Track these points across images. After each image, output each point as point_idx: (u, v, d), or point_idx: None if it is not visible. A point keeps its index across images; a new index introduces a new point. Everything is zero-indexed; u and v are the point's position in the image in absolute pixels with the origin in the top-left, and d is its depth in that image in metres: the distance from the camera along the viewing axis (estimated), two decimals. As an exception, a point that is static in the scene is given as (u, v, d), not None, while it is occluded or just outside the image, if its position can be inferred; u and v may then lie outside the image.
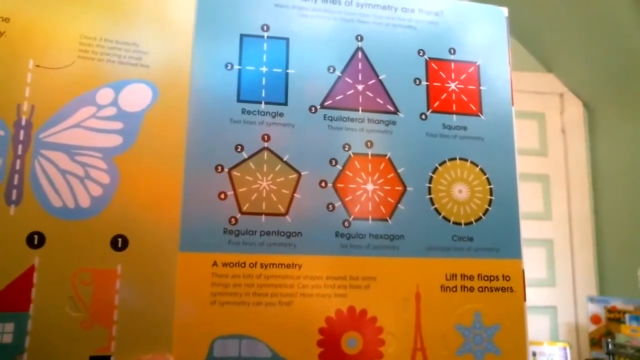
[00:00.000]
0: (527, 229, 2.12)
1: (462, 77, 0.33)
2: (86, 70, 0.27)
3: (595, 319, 1.77)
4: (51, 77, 0.26)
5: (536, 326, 2.03)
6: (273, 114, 0.30)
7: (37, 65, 0.26)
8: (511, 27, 1.75)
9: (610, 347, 1.51)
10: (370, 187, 0.30)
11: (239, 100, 0.30)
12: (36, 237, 0.25)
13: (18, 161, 0.25)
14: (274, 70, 0.30)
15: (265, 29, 0.31)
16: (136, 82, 0.28)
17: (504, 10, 0.37)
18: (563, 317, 2.07)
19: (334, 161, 0.31)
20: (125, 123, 0.28)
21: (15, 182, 0.25)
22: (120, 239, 0.26)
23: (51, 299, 0.25)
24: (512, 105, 0.34)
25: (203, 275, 0.27)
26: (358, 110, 0.31)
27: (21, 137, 0.25)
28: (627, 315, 1.65)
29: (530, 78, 2.20)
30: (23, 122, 0.25)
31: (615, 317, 1.70)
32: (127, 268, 0.26)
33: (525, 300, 0.32)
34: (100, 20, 0.28)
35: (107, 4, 0.28)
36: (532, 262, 2.07)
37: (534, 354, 1.41)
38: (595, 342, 1.75)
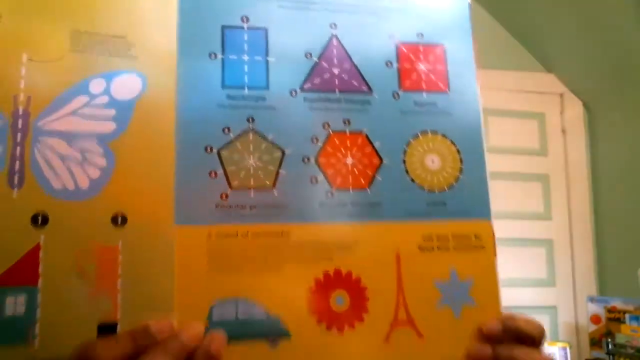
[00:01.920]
0: (527, 229, 2.13)
1: (430, 58, 0.36)
2: (78, 62, 0.29)
3: (595, 319, 1.76)
4: (45, 69, 0.28)
5: (536, 326, 2.03)
6: (256, 98, 0.33)
7: (30, 59, 0.28)
8: (512, 28, 1.76)
9: (610, 347, 1.51)
10: (349, 160, 0.33)
11: (223, 87, 0.32)
12: (40, 217, 0.27)
13: (18, 148, 0.27)
14: (255, 58, 0.33)
15: (245, 20, 0.33)
16: (126, 72, 0.30)
17: None
18: (563, 317, 2.07)
19: (315, 139, 0.34)
20: (117, 110, 0.30)
21: (17, 168, 0.27)
22: (119, 217, 0.29)
23: (58, 274, 0.27)
24: (477, 83, 0.37)
25: (199, 245, 0.30)
26: (335, 92, 0.34)
27: (20, 126, 0.27)
28: (627, 315, 1.65)
29: (530, 78, 2.20)
30: (20, 112, 0.27)
31: (615, 317, 1.70)
32: (128, 243, 0.28)
33: (495, 256, 0.34)
34: (89, 15, 0.30)
35: (96, 0, 0.30)
36: (532, 262, 2.07)
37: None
38: (595, 342, 1.75)
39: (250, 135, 0.32)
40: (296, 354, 0.30)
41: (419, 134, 0.35)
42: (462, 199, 0.35)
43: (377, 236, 0.33)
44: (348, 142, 0.34)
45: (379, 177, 0.34)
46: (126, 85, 0.30)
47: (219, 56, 0.33)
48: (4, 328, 0.26)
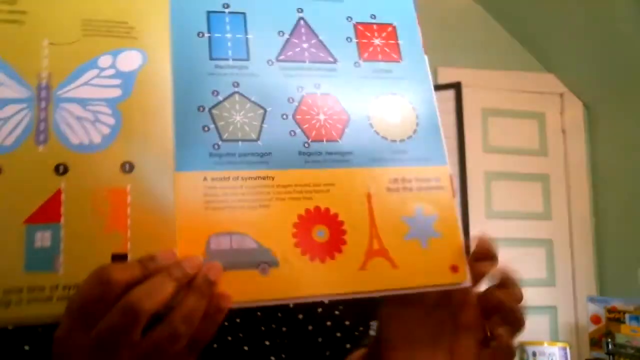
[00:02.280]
0: (527, 229, 2.13)
1: (383, 35, 0.43)
2: (89, 44, 0.37)
3: (595, 319, 1.77)
4: (62, 50, 0.37)
5: (536, 326, 2.03)
6: (239, 67, 0.39)
7: (51, 43, 0.36)
8: (512, 28, 1.75)
9: (610, 347, 1.51)
10: (321, 117, 0.39)
11: (211, 59, 0.39)
12: (61, 167, 0.34)
13: (42, 113, 0.35)
14: (237, 35, 0.40)
15: (225, 6, 0.41)
16: (129, 49, 0.38)
17: None
18: (563, 317, 2.07)
19: (291, 99, 0.39)
20: (122, 80, 0.37)
21: (42, 128, 0.34)
22: (127, 165, 0.35)
23: (77, 213, 0.33)
24: (425, 53, 0.45)
25: (196, 188, 0.35)
26: (305, 62, 0.41)
27: (43, 96, 0.35)
28: (627, 315, 1.65)
29: (530, 78, 2.20)
30: (43, 85, 0.35)
31: (615, 317, 1.70)
32: (135, 186, 0.35)
33: (454, 196, 0.40)
34: (97, 7, 0.38)
35: None
36: (532, 262, 2.07)
37: (534, 354, 1.41)
38: (595, 342, 1.75)
39: (236, 97, 0.38)
40: (284, 280, 0.35)
41: (379, 96, 0.41)
42: (420, 149, 0.40)
43: (350, 179, 0.38)
44: (319, 102, 0.40)
45: (347, 131, 0.39)
46: (129, 60, 0.37)
47: (206, 35, 0.39)
48: (35, 258, 0.32)
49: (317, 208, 0.36)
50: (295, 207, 0.36)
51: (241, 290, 0.33)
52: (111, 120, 0.35)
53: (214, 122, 0.37)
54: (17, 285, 0.31)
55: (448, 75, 2.08)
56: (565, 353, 1.29)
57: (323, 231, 0.36)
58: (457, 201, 0.40)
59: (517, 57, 2.21)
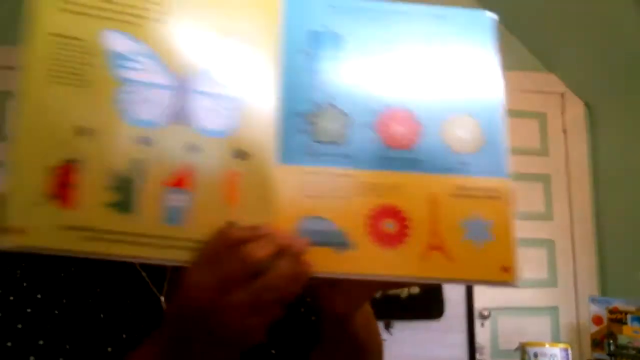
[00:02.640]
0: (528, 229, 2.12)
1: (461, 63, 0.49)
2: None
3: (596, 320, 1.76)
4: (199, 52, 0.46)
5: (537, 327, 2.02)
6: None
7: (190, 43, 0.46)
8: (512, 27, 1.75)
9: (612, 348, 1.50)
10: (399, 129, 0.45)
11: (311, 73, 0.45)
12: (193, 146, 0.41)
13: (181, 99, 0.42)
14: (333, 54, 0.46)
15: (325, 27, 0.46)
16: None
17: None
18: (564, 317, 2.06)
19: (374, 111, 0.45)
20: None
21: (180, 112, 0.42)
22: (243, 153, 0.42)
23: (203, 185, 0.41)
24: (500, 76, 0.51)
25: (294, 178, 0.43)
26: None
27: (182, 85, 0.42)
28: (629, 316, 1.64)
29: (531, 78, 2.19)
30: (183, 77, 0.42)
31: (617, 318, 1.69)
32: (247, 171, 0.42)
33: (511, 205, 0.44)
34: (228, 22, 0.45)
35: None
36: (534, 262, 2.06)
37: (536, 355, 1.40)
38: (596, 343, 1.74)
39: (329, 107, 0.44)
40: (354, 260, 0.42)
41: (453, 114, 0.45)
42: (484, 162, 0.44)
43: (418, 183, 0.43)
44: (398, 114, 0.45)
45: (421, 141, 0.44)
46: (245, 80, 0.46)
47: (309, 52, 0.45)
48: (169, 214, 0.40)
49: (388, 204, 0.42)
50: (370, 201, 0.42)
51: (321, 262, 0.41)
52: (233, 115, 0.43)
53: (311, 126, 0.44)
54: (155, 233, 0.40)
55: (449, 75, 2.08)
56: (567, 354, 1.28)
57: (391, 224, 0.42)
58: (514, 209, 0.44)
59: (518, 57, 2.20)
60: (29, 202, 0.38)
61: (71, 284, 0.62)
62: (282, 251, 0.39)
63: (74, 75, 0.40)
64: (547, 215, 2.12)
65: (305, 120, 0.44)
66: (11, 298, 0.58)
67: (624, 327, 1.57)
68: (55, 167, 0.38)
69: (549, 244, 2.10)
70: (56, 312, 0.58)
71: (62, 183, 0.38)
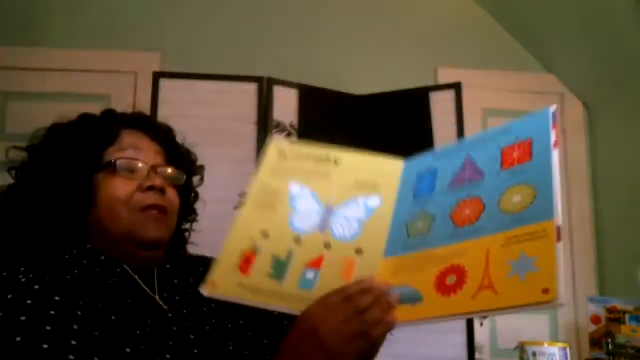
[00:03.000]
0: (527, 229, 2.11)
1: (521, 147, 0.59)
2: (357, 189, 0.70)
3: (595, 319, 1.76)
4: (342, 190, 0.69)
5: (536, 326, 2.03)
6: (427, 198, 0.65)
7: (337, 185, 0.71)
8: (512, 28, 1.75)
9: (610, 347, 1.51)
10: (467, 211, 0.59)
11: (414, 198, 0.67)
12: (327, 245, 0.64)
13: (325, 219, 0.66)
14: (430, 182, 0.67)
15: (428, 169, 0.69)
16: (374, 196, 0.70)
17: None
18: (563, 317, 2.07)
19: (450, 206, 0.63)
20: (366, 209, 0.68)
21: (323, 225, 0.66)
22: (360, 250, 0.63)
23: (328, 267, 0.62)
24: (555, 147, 0.58)
25: (393, 263, 0.61)
26: (464, 182, 0.63)
27: (327, 210, 0.67)
28: (627, 315, 1.65)
29: (530, 78, 2.20)
30: (328, 205, 0.67)
31: (615, 317, 1.69)
32: (360, 260, 0.62)
33: (556, 241, 0.50)
34: (365, 173, 0.74)
35: None
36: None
37: (534, 354, 1.41)
38: (595, 342, 1.75)
39: (422, 213, 0.63)
40: (423, 309, 0.54)
41: (509, 187, 0.56)
42: (534, 213, 0.52)
43: (477, 244, 0.54)
44: (467, 204, 0.58)
45: (482, 215, 0.56)
46: (373, 200, 0.68)
47: (414, 185, 0.66)
48: (305, 283, 0.61)
49: (453, 265, 0.54)
50: (440, 266, 0.55)
51: (401, 315, 0.54)
52: (357, 228, 0.64)
53: (407, 230, 0.62)
54: (291, 293, 0.60)
55: (448, 76, 2.08)
56: (565, 353, 1.28)
57: (453, 278, 0.53)
58: (560, 244, 0.50)
59: (517, 58, 2.21)
60: (226, 268, 0.62)
61: (77, 288, 0.63)
62: (378, 300, 0.54)
63: (268, 205, 0.67)
64: (545, 215, 2.12)
65: (405, 227, 0.62)
66: (29, 302, 0.58)
67: (622, 326, 1.58)
68: (245, 250, 0.63)
69: (547, 244, 2.11)
70: (79, 313, 0.59)
71: (246, 260, 0.62)
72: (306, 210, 0.66)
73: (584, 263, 2.10)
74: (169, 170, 0.80)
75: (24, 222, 0.73)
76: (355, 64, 2.11)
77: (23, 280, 0.61)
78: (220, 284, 0.61)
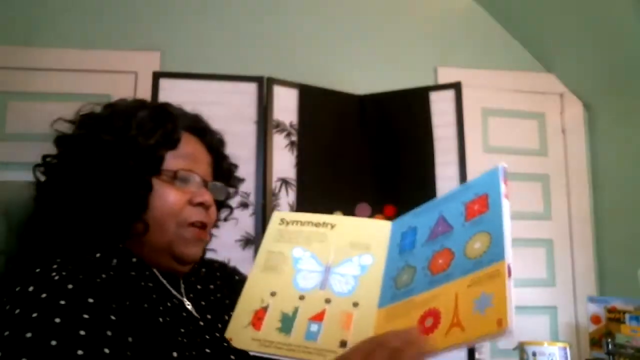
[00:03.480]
0: (527, 229, 2.12)
1: (479, 201, 0.68)
2: (352, 250, 0.78)
3: (595, 319, 1.77)
4: (339, 251, 0.78)
5: (536, 326, 2.03)
6: (409, 252, 0.73)
7: (335, 247, 0.79)
8: (512, 28, 1.75)
9: (610, 347, 1.51)
10: (440, 261, 0.66)
11: (399, 253, 0.74)
12: (328, 300, 0.72)
13: (325, 277, 0.74)
14: (411, 239, 0.75)
15: (409, 228, 0.77)
16: (366, 254, 0.77)
17: None
18: (563, 317, 2.07)
19: (427, 258, 0.70)
20: (362, 267, 0.75)
21: (323, 283, 0.73)
22: (356, 304, 0.71)
23: (330, 320, 0.70)
24: (506, 198, 0.65)
25: (386, 313, 0.67)
26: (438, 236, 0.70)
27: (326, 270, 0.75)
28: (627, 315, 1.65)
29: (530, 78, 2.20)
30: (327, 265, 0.76)
31: (615, 317, 1.70)
32: (358, 312, 0.70)
33: (507, 277, 0.56)
34: (356, 236, 0.81)
35: None
36: (532, 262, 2.07)
37: (534, 354, 1.41)
38: (595, 342, 1.75)
39: (406, 267, 0.70)
40: None
41: (472, 236, 0.64)
42: (490, 257, 0.59)
43: (449, 289, 0.61)
44: (441, 254, 0.66)
45: (453, 262, 0.64)
46: (366, 259, 0.75)
47: (400, 243, 0.74)
48: (309, 334, 0.68)
49: (430, 308, 0.61)
50: (421, 310, 0.62)
51: None
52: (353, 284, 0.72)
53: (395, 282, 0.69)
54: (299, 344, 0.67)
55: (448, 75, 2.08)
56: (566, 353, 1.28)
57: (431, 320, 0.60)
58: (511, 279, 0.56)
59: (517, 57, 2.21)
60: (241, 326, 0.71)
61: (110, 290, 0.62)
62: (407, 339, 0.57)
63: (275, 268, 0.76)
64: (545, 215, 2.12)
65: (393, 280, 0.69)
66: (62, 302, 0.57)
67: (622, 326, 1.58)
68: (257, 310, 0.71)
69: (547, 244, 2.11)
70: (113, 317, 0.58)
71: (258, 317, 0.71)
72: (308, 271, 0.75)
73: (584, 263, 2.10)
74: (218, 185, 0.80)
75: (66, 217, 0.70)
76: (355, 64, 2.11)
77: (57, 278, 0.59)
78: (236, 340, 0.70)
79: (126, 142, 0.71)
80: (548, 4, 1.96)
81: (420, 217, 0.75)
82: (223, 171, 0.83)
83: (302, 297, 0.72)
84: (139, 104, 0.78)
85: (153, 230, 0.71)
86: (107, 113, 0.75)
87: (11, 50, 1.95)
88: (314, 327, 0.68)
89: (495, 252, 0.59)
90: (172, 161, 0.73)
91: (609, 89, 2.04)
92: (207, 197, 0.74)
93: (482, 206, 0.66)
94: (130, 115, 0.74)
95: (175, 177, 0.72)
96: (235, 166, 0.87)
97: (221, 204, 0.84)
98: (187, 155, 0.75)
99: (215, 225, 0.86)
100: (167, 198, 0.72)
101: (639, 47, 1.79)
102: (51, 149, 0.75)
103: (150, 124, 0.73)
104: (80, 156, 0.71)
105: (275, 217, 0.82)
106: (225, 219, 0.88)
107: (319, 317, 0.69)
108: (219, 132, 0.85)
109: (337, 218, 0.81)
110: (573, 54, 2.08)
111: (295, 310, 0.70)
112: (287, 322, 0.69)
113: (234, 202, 0.88)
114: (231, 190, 0.85)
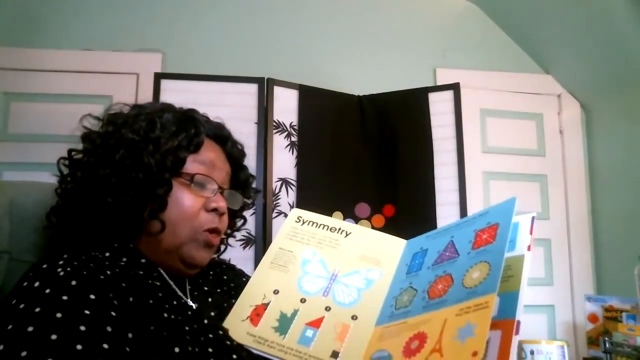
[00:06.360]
0: (525, 229, 2.12)
1: (489, 230, 0.67)
2: (361, 263, 0.77)
3: (592, 318, 1.78)
4: (348, 262, 0.77)
5: (534, 325, 2.04)
6: (415, 275, 0.72)
7: (344, 258, 0.78)
8: (509, 29, 1.77)
9: (607, 345, 1.52)
10: (440, 286, 0.65)
11: (406, 274, 0.73)
12: (328, 308, 0.71)
13: (330, 284, 0.73)
14: (420, 260, 0.73)
15: (421, 249, 0.75)
16: (375, 269, 0.77)
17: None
18: (561, 315, 2.09)
19: (430, 282, 0.70)
20: (367, 281, 0.75)
21: (327, 290, 0.73)
22: (355, 316, 0.70)
23: (326, 328, 0.69)
24: (507, 237, 0.63)
25: (381, 331, 0.67)
26: (444, 262, 0.69)
27: (332, 277, 0.74)
28: (624, 314, 1.67)
29: (528, 79, 2.22)
30: (334, 273, 0.75)
31: (612, 316, 1.71)
32: (355, 326, 0.69)
33: (491, 309, 0.56)
34: (368, 250, 0.79)
35: None
36: (530, 261, 2.07)
37: (532, 353, 1.42)
38: (592, 341, 1.76)
39: (409, 288, 0.69)
40: None
41: (474, 265, 0.63)
42: (484, 287, 0.59)
43: (440, 315, 0.61)
44: (442, 280, 0.65)
45: (450, 290, 0.63)
46: (374, 273, 0.75)
47: (408, 263, 0.73)
48: (303, 339, 0.68)
49: (419, 332, 0.61)
50: (410, 333, 0.62)
51: None
52: (356, 296, 0.71)
53: (395, 302, 0.69)
54: (291, 347, 0.67)
55: (447, 76, 2.10)
56: (563, 351, 1.29)
57: (416, 343, 0.60)
58: (493, 311, 0.56)
59: (515, 59, 2.23)
60: (238, 319, 0.71)
61: (113, 287, 0.63)
62: None
63: (282, 266, 0.75)
64: (543, 215, 2.14)
65: (394, 300, 0.69)
66: (65, 298, 0.57)
67: (619, 325, 1.59)
68: (257, 305, 0.72)
69: (545, 243, 2.12)
70: (113, 314, 0.59)
71: (257, 313, 0.71)
72: (314, 275, 0.74)
73: (581, 262, 2.12)
74: (234, 194, 0.80)
75: (86, 211, 0.71)
76: (355, 64, 2.12)
77: (62, 274, 0.60)
78: (232, 331, 0.70)
79: (149, 142, 0.72)
80: (546, 6, 1.97)
81: (433, 240, 0.73)
82: (240, 181, 0.84)
83: (303, 300, 0.71)
84: (166, 107, 0.79)
85: (166, 231, 0.71)
86: (134, 113, 0.76)
87: (14, 52, 1.96)
88: (309, 333, 0.68)
89: (489, 283, 0.59)
90: (191, 165, 0.74)
91: (607, 89, 2.05)
92: (221, 203, 0.75)
93: (490, 236, 0.65)
94: (155, 116, 0.75)
95: (192, 181, 0.73)
96: (253, 177, 0.88)
97: (235, 214, 0.85)
98: (206, 161, 0.76)
99: (232, 235, 0.87)
100: (183, 201, 0.73)
101: (636, 48, 1.80)
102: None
103: (174, 126, 0.75)
104: (104, 152, 0.72)
105: (293, 214, 0.81)
106: (239, 229, 0.89)
107: (316, 324, 0.68)
108: (240, 143, 0.86)
109: (353, 227, 0.80)
110: (571, 55, 2.09)
111: (295, 313, 0.70)
112: (284, 323, 0.69)
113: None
114: (248, 201, 0.85)
